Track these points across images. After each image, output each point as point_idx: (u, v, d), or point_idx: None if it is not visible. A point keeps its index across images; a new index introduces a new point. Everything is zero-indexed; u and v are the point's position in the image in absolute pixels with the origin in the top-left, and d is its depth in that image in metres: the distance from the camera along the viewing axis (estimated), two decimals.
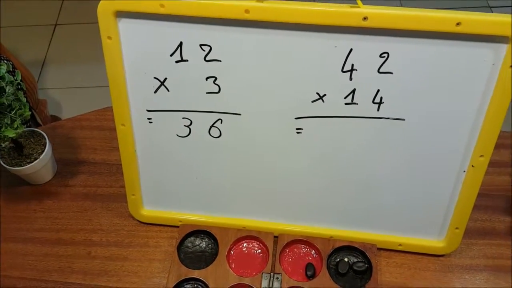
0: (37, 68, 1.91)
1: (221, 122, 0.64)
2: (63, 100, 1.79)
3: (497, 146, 0.80)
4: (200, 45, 0.57)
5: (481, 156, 0.60)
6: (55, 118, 1.55)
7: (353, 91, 0.59)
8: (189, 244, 0.72)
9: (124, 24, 0.57)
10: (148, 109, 0.63)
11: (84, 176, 0.81)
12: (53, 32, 2.03)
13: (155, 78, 0.61)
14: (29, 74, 1.43)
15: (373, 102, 0.59)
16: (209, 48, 0.57)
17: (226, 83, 0.60)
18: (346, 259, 0.68)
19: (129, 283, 0.69)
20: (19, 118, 0.69)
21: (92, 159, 0.83)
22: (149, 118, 0.64)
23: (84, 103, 1.71)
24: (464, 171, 0.62)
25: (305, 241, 0.70)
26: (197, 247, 0.72)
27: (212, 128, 0.64)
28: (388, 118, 0.60)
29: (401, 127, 0.60)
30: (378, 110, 0.60)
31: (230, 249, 0.70)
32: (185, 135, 0.65)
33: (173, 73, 0.60)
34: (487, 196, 0.76)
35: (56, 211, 0.77)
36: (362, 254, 0.69)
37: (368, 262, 0.68)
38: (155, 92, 0.62)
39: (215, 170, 0.68)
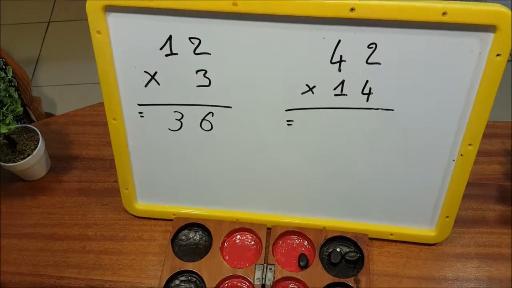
0: (31, 66, 1.91)
1: (212, 115, 0.64)
2: (58, 97, 1.79)
3: (488, 136, 0.81)
4: (190, 38, 0.58)
5: (469, 144, 0.61)
6: (49, 115, 1.55)
7: (342, 82, 0.59)
8: (183, 237, 0.72)
9: (113, 19, 0.57)
10: (139, 103, 0.64)
11: (77, 172, 0.81)
12: (46, 29, 2.03)
13: (145, 72, 0.61)
14: (23, 72, 1.43)
15: (362, 93, 0.60)
16: (198, 41, 0.58)
17: (216, 76, 0.60)
18: (338, 249, 0.69)
19: (123, 276, 0.70)
20: (11, 114, 0.69)
21: (85, 154, 0.84)
22: (140, 112, 0.64)
23: (79, 100, 1.72)
24: (454, 160, 0.63)
25: (298, 232, 0.71)
26: (191, 239, 0.72)
27: (204, 121, 0.65)
28: (377, 109, 0.61)
29: (390, 117, 0.61)
30: (367, 101, 0.60)
31: (223, 241, 0.71)
32: (177, 128, 0.66)
33: (163, 67, 0.60)
34: (477, 185, 0.77)
35: (50, 206, 0.77)
36: (354, 244, 0.69)
37: (360, 251, 0.68)
38: (146, 86, 0.62)
39: (207, 163, 0.69)
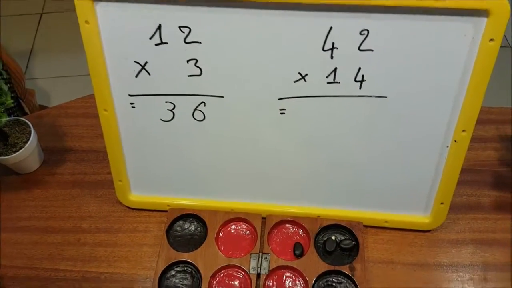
0: (25, 58, 1.90)
1: (205, 105, 0.63)
2: (52, 89, 1.78)
3: (483, 122, 0.81)
4: (179, 27, 0.57)
5: (463, 131, 0.61)
6: (43, 108, 1.54)
7: (335, 69, 0.59)
8: (178, 228, 0.72)
9: (102, 8, 0.57)
10: (130, 93, 0.63)
11: (71, 164, 0.81)
12: (39, 21, 2.01)
13: (135, 62, 0.60)
14: (16, 64, 1.42)
15: (355, 80, 0.59)
16: (188, 29, 0.57)
17: (208, 65, 0.60)
18: (333, 237, 0.69)
19: (119, 268, 0.69)
20: (1, 107, 0.69)
21: (78, 146, 0.83)
22: (131, 103, 0.64)
23: (74, 91, 1.70)
24: (447, 147, 0.63)
25: (293, 221, 0.71)
26: (186, 230, 0.72)
27: (196, 111, 0.64)
28: (370, 96, 0.60)
29: (383, 104, 0.61)
30: (360, 88, 0.60)
31: (218, 232, 0.71)
32: (169, 119, 0.65)
33: (153, 57, 0.59)
34: (472, 171, 0.77)
35: (44, 199, 0.77)
36: (349, 232, 0.69)
37: (355, 239, 0.68)
38: (136, 76, 0.61)
39: (200, 153, 0.68)
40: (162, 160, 0.70)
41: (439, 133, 0.62)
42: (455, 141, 0.62)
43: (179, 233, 0.72)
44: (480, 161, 0.78)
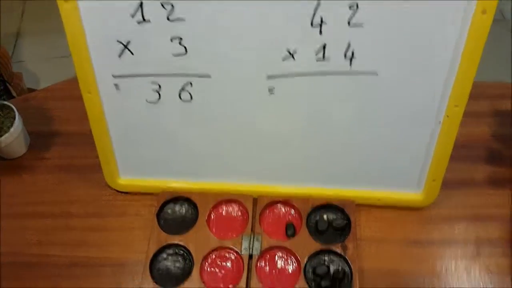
0: (11, 41, 1.86)
1: (191, 85, 0.62)
2: (40, 71, 1.75)
3: (476, 97, 0.79)
4: (162, 4, 0.55)
5: (456, 106, 0.60)
6: (32, 91, 1.51)
7: (324, 46, 0.57)
8: (168, 211, 0.71)
9: None
10: (114, 74, 0.61)
11: (58, 148, 0.80)
12: (25, 3, 1.97)
13: (118, 41, 0.58)
14: (1, 48, 1.39)
15: (344, 57, 0.58)
16: (171, 6, 0.55)
17: (193, 43, 0.58)
18: (325, 217, 0.68)
19: (109, 252, 0.69)
20: None
21: (65, 130, 0.82)
22: (115, 84, 0.62)
23: (62, 73, 1.67)
24: (440, 122, 0.61)
25: (284, 201, 0.70)
26: (177, 213, 0.71)
27: (182, 91, 0.63)
28: (361, 73, 0.59)
29: (374, 81, 0.59)
30: (350, 65, 0.58)
31: (210, 213, 0.70)
32: (155, 100, 0.64)
33: (136, 35, 0.57)
34: (466, 147, 0.76)
35: (32, 184, 0.76)
36: (341, 211, 0.69)
37: (347, 218, 0.68)
38: (119, 56, 0.59)
39: (188, 135, 0.67)
40: (150, 142, 0.68)
41: (431, 108, 0.61)
42: (448, 116, 0.61)
43: (170, 216, 0.71)
44: (474, 136, 0.78)
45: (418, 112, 0.61)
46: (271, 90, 0.61)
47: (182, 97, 0.63)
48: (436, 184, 0.67)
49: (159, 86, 0.62)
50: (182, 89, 0.62)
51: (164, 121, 0.66)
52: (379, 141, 0.65)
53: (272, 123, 0.65)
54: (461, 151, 0.74)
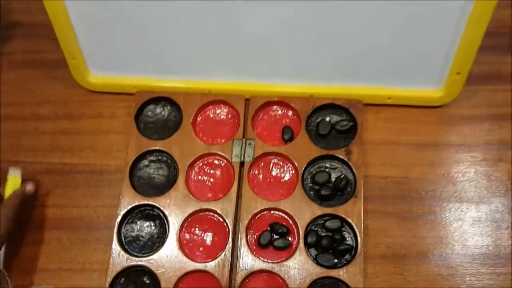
0: None
1: None
2: None
3: None
4: None
5: None
6: None
7: None
8: (149, 113, 0.63)
9: None
10: None
11: (20, 41, 0.70)
12: None
13: None
14: None
15: None
16: None
17: None
18: (327, 119, 0.60)
19: (84, 158, 0.62)
20: None
21: (28, 20, 0.71)
22: None
23: None
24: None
25: (281, 101, 0.62)
26: (159, 115, 0.63)
27: None
28: None
29: None
30: None
31: (196, 116, 0.62)
32: None
33: None
34: (495, 34, 0.64)
35: None
36: (346, 111, 0.60)
37: (353, 120, 0.60)
38: None
39: (167, 25, 0.56)
40: (121, 34, 0.58)
41: None
42: None
43: (151, 119, 0.63)
44: (504, 21, 0.66)
45: None
46: None
47: None
48: (460, 78, 0.57)
49: None
50: None
51: (137, 9, 0.54)
52: (393, 29, 0.54)
53: (267, 11, 0.53)
54: (488, 39, 0.63)
